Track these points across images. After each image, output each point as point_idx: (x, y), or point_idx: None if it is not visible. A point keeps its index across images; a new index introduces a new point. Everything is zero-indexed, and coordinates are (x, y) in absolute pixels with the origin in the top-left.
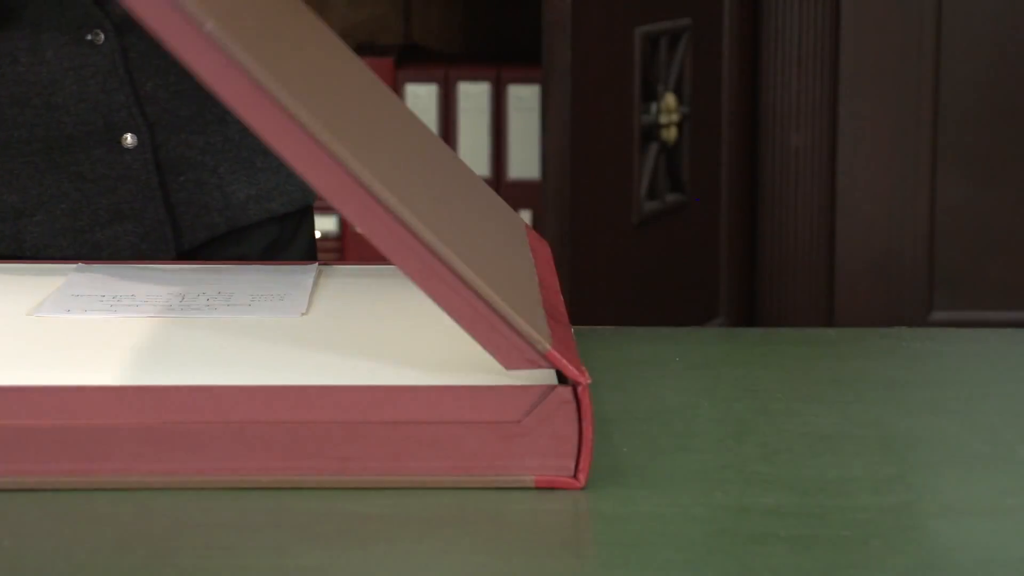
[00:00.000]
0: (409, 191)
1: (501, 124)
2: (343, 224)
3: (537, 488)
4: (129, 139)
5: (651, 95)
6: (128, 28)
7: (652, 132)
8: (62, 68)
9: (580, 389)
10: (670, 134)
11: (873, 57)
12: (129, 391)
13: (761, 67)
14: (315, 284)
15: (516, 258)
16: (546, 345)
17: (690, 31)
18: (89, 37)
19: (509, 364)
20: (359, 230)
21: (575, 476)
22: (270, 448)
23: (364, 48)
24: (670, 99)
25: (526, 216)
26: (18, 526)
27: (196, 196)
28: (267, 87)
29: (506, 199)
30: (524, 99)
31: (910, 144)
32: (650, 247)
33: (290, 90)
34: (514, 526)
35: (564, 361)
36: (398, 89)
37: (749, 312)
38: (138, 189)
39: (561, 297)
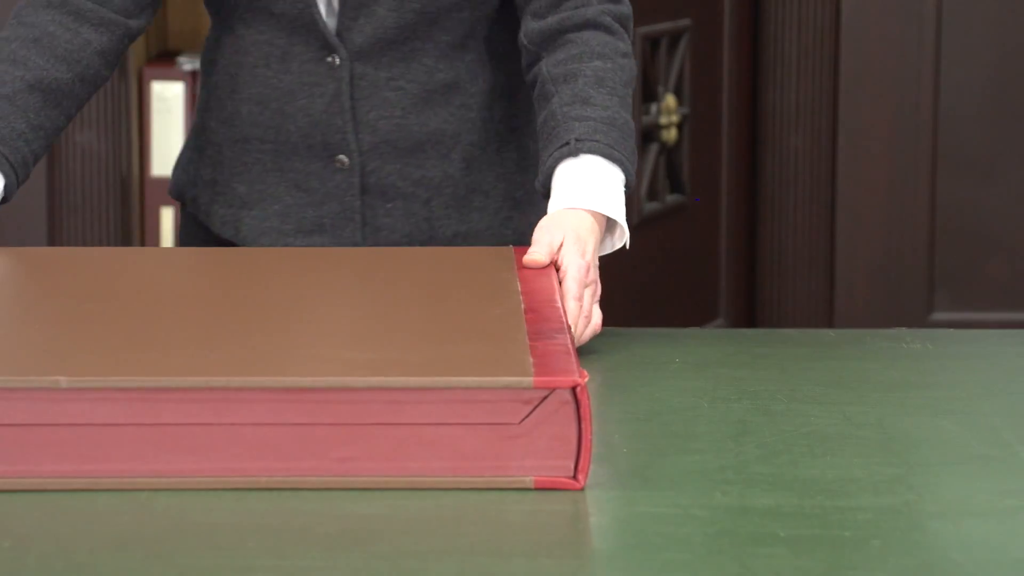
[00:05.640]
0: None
1: None
2: None
3: (537, 489)
4: (342, 160)
5: (651, 96)
6: (364, 58)
7: (652, 133)
8: (300, 82)
9: (579, 390)
10: (670, 135)
11: (873, 57)
12: (130, 391)
13: (761, 67)
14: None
15: (478, 315)
16: (528, 380)
17: (690, 32)
18: (329, 59)
19: (515, 417)
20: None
21: (575, 477)
22: (270, 449)
23: None
24: (670, 100)
25: None
26: (18, 526)
27: (401, 224)
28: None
29: None
30: None
31: (910, 144)
32: (650, 247)
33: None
34: (513, 527)
35: (554, 379)
36: None
37: (749, 313)
38: (340, 208)
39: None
